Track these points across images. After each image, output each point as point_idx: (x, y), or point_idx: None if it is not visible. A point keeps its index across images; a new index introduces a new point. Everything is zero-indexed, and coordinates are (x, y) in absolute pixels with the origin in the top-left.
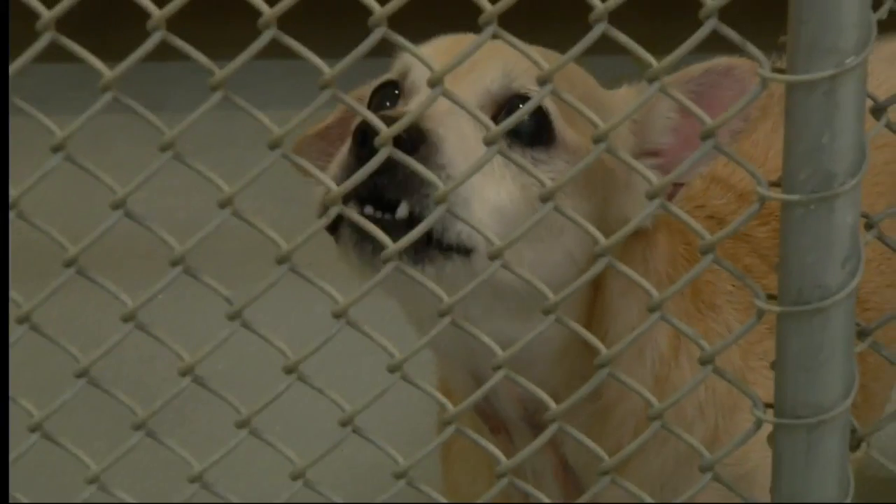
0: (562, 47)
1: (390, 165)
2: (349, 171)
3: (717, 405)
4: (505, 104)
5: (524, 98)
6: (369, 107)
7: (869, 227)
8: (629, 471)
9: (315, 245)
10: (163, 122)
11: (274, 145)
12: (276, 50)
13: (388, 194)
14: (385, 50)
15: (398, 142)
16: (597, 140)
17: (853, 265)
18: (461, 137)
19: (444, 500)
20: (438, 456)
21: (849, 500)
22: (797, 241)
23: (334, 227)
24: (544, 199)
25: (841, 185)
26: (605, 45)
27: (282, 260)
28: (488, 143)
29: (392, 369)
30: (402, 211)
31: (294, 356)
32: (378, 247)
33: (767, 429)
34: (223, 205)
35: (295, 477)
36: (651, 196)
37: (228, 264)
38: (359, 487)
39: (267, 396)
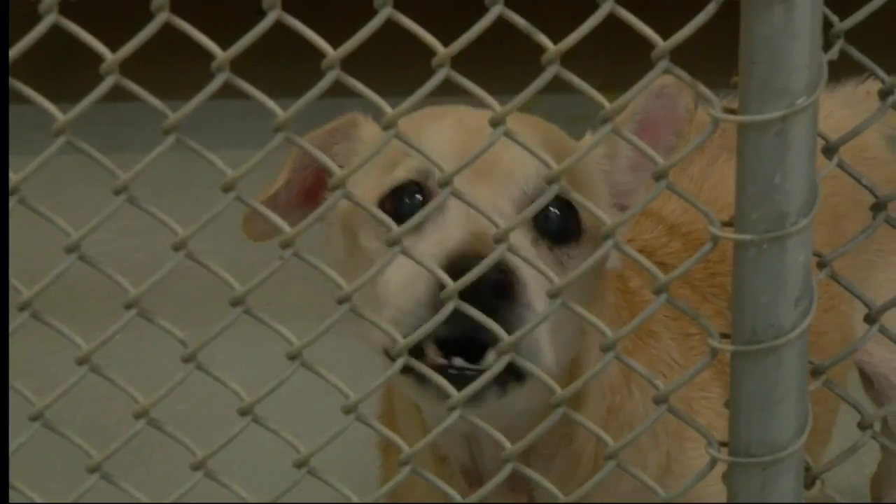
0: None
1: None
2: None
3: (668, 432)
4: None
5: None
6: (384, 209)
7: (821, 265)
8: None
9: (272, 286)
10: (123, 163)
11: (227, 188)
12: (230, 91)
13: (479, 340)
14: (340, 91)
15: (488, 284)
16: (606, 237)
17: (806, 304)
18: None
19: None
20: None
21: None
22: (750, 280)
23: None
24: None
25: (793, 225)
26: (563, 84)
27: (236, 302)
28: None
29: (347, 410)
30: (490, 359)
31: (249, 398)
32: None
33: (722, 465)
34: (177, 248)
35: None
36: (605, 235)
37: (186, 305)
38: None
39: (224, 438)
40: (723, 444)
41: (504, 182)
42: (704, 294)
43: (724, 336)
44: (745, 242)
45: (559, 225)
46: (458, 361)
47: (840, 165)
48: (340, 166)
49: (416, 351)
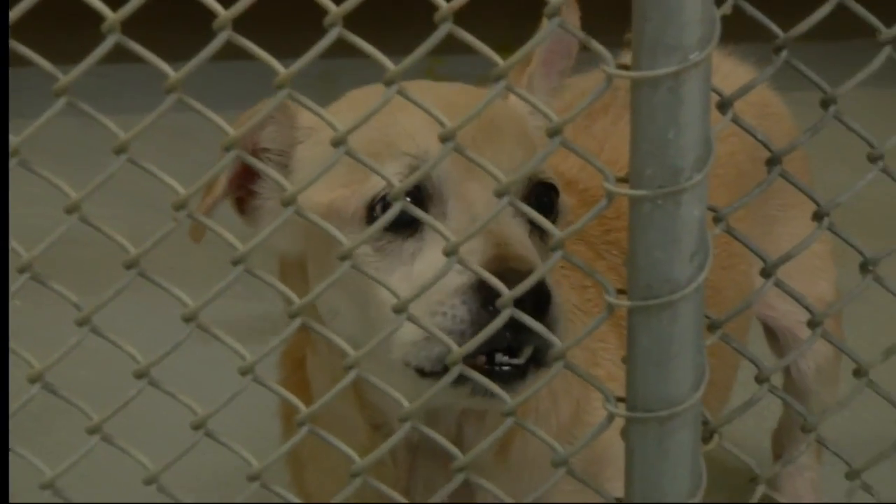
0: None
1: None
2: (478, 324)
3: (580, 382)
4: (529, 195)
5: (544, 183)
6: (375, 213)
7: (717, 220)
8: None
9: (175, 252)
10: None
11: (119, 150)
12: (126, 56)
13: (517, 344)
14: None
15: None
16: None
17: (701, 259)
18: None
19: (300, 502)
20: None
21: (701, 492)
22: (645, 236)
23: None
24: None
25: (687, 180)
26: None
27: (129, 265)
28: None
29: (243, 371)
30: (527, 353)
31: (145, 361)
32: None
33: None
34: (70, 210)
35: (148, 482)
36: (499, 193)
37: (87, 273)
38: (214, 491)
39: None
40: (620, 400)
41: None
42: (599, 251)
43: (621, 292)
44: (640, 198)
45: (546, 213)
46: (502, 357)
47: (734, 120)
48: (268, 150)
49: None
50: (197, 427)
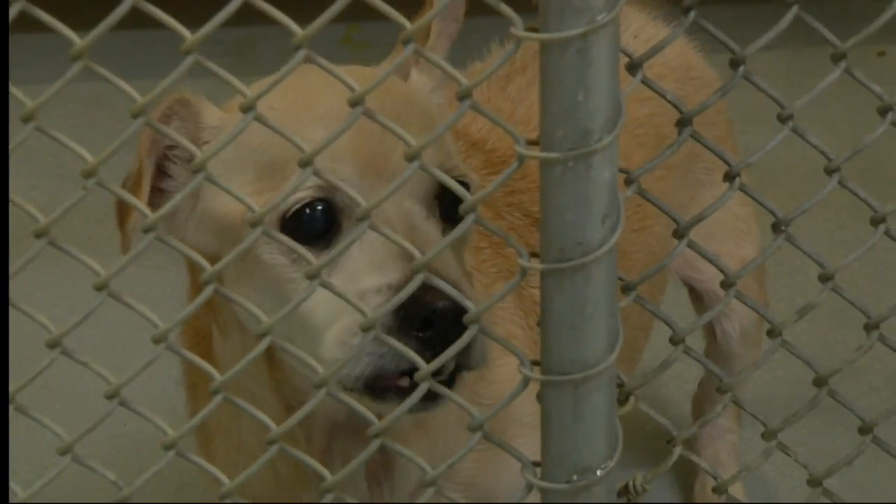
0: None
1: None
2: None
3: None
4: (440, 193)
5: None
6: (286, 226)
7: (629, 182)
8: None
9: (93, 221)
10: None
11: (27, 118)
12: (34, 24)
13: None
14: None
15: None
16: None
17: (613, 221)
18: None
19: (219, 472)
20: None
21: (617, 455)
22: (556, 198)
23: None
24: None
25: (598, 142)
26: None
27: (39, 233)
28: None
29: (157, 340)
30: (450, 368)
31: (57, 330)
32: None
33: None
34: None
35: (63, 452)
36: (409, 158)
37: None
38: (130, 460)
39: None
40: (535, 363)
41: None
42: (500, 211)
43: (533, 255)
44: (551, 160)
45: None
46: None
47: (644, 82)
48: (174, 148)
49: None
50: (111, 396)
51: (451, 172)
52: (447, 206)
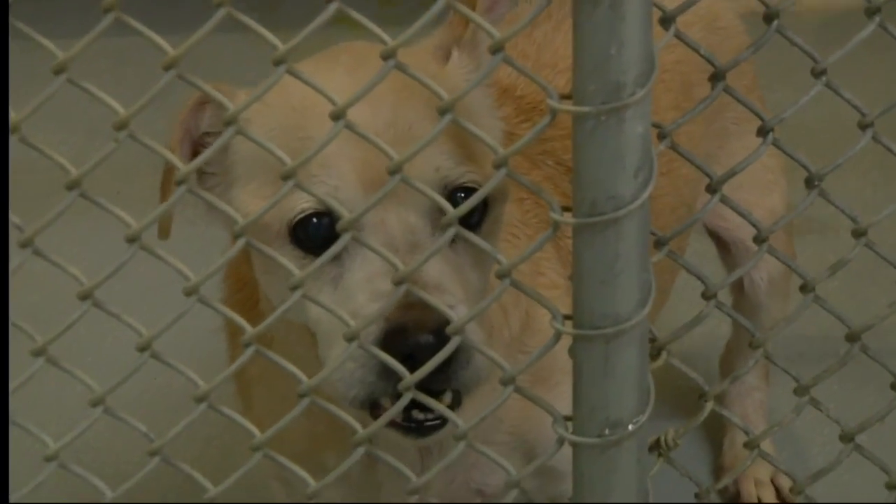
0: None
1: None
2: (381, 372)
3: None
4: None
5: (461, 188)
6: (295, 238)
7: (661, 136)
8: None
9: (122, 176)
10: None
11: (58, 70)
12: None
13: (434, 387)
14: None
15: (429, 349)
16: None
17: (645, 175)
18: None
19: (249, 424)
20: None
21: (649, 410)
22: (589, 153)
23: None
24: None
25: (630, 96)
26: None
27: (71, 185)
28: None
29: (188, 292)
30: (447, 398)
31: (89, 283)
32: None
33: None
34: (11, 132)
35: (94, 404)
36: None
37: (28, 199)
38: (160, 414)
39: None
40: (567, 317)
41: (408, 193)
42: (535, 161)
43: (565, 209)
44: (583, 115)
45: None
46: (417, 415)
47: (677, 35)
48: (210, 134)
49: (373, 403)
50: (142, 349)
51: (458, 179)
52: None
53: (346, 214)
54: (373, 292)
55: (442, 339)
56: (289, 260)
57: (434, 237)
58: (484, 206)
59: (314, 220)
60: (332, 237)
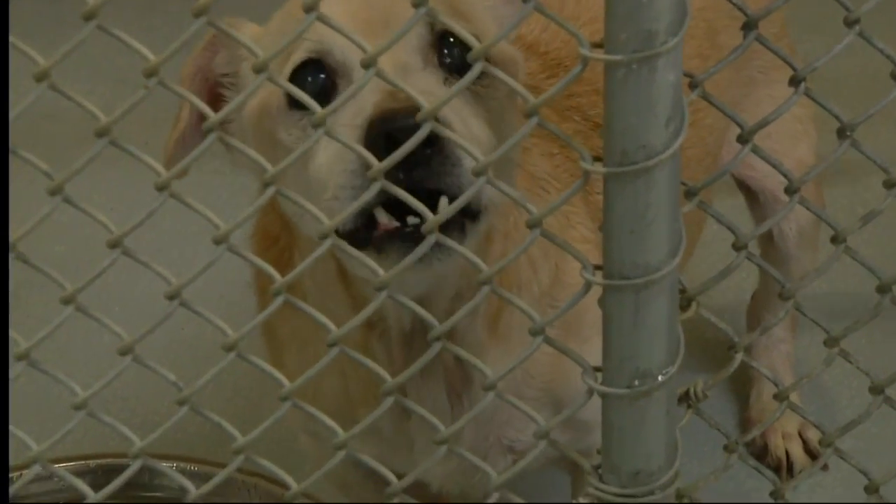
0: None
1: (417, 158)
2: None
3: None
4: (436, 44)
5: (450, 34)
6: (292, 101)
7: (693, 86)
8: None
9: (150, 125)
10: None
11: (89, 16)
12: None
13: (428, 185)
14: None
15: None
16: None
17: (677, 125)
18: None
19: (277, 373)
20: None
21: (679, 360)
22: (620, 102)
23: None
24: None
25: (662, 44)
26: None
27: (101, 132)
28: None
29: (218, 241)
30: (444, 204)
31: (118, 231)
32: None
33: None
34: (39, 78)
35: (123, 352)
36: (473, 59)
37: (58, 147)
38: (190, 364)
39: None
40: (597, 268)
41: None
42: (563, 114)
43: (596, 158)
44: (615, 63)
45: (463, 58)
46: (412, 219)
47: None
48: (226, 75)
49: (369, 221)
50: (171, 297)
51: (444, 25)
52: (453, 58)
53: (367, 47)
54: (356, 115)
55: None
56: (289, 127)
57: (425, 71)
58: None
59: (308, 77)
60: (326, 87)
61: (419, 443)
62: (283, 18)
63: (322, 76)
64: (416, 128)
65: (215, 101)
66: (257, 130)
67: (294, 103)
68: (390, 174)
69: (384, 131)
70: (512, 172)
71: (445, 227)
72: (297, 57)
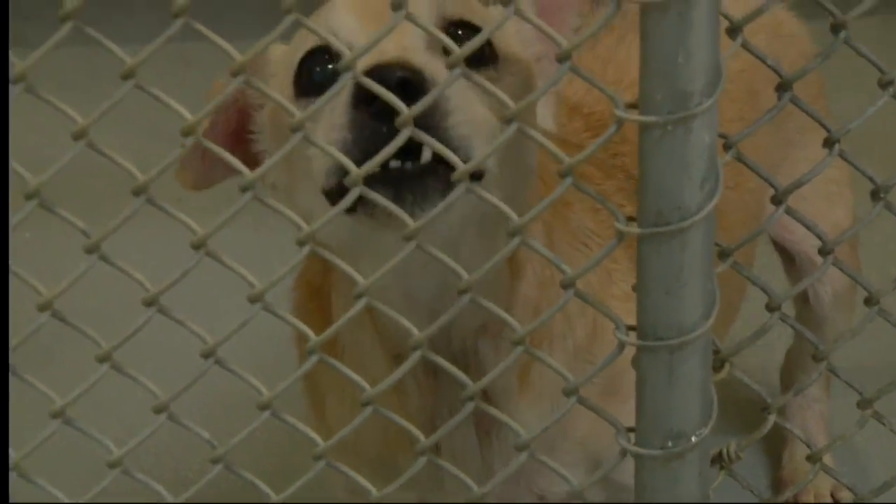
0: None
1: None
2: (360, 130)
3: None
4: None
5: (461, 23)
6: (300, 83)
7: (727, 147)
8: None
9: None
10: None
11: (127, 75)
12: None
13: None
14: None
15: (405, 87)
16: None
17: (711, 185)
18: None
19: (311, 432)
20: (303, 392)
21: (712, 422)
22: (655, 162)
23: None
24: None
25: (697, 105)
26: None
27: (138, 191)
28: (451, 66)
29: (253, 300)
30: (427, 154)
31: (155, 289)
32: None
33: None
34: (77, 137)
35: (158, 410)
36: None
37: (94, 202)
38: (224, 422)
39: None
40: (631, 328)
41: (406, 27)
42: (608, 172)
43: (631, 219)
44: (650, 124)
45: (477, 52)
46: (394, 163)
47: (744, 46)
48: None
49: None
50: (206, 355)
51: (454, 15)
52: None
53: (346, 52)
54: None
55: (419, 83)
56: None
57: (427, 52)
58: (494, 57)
59: (317, 66)
60: (332, 77)
61: (449, 483)
62: (305, 33)
63: (330, 65)
64: (404, 80)
65: (240, 131)
66: (273, 124)
67: (301, 92)
68: (374, 128)
69: (376, 78)
70: (526, 181)
71: (426, 173)
72: (306, 45)
